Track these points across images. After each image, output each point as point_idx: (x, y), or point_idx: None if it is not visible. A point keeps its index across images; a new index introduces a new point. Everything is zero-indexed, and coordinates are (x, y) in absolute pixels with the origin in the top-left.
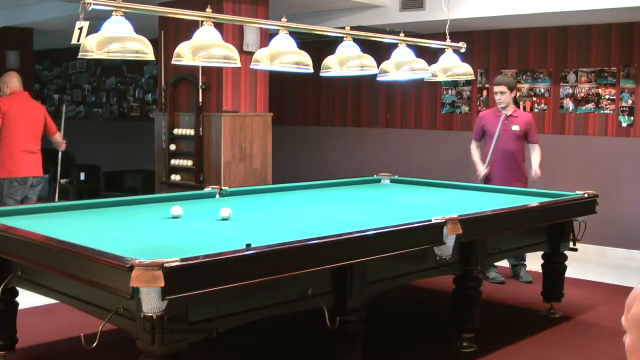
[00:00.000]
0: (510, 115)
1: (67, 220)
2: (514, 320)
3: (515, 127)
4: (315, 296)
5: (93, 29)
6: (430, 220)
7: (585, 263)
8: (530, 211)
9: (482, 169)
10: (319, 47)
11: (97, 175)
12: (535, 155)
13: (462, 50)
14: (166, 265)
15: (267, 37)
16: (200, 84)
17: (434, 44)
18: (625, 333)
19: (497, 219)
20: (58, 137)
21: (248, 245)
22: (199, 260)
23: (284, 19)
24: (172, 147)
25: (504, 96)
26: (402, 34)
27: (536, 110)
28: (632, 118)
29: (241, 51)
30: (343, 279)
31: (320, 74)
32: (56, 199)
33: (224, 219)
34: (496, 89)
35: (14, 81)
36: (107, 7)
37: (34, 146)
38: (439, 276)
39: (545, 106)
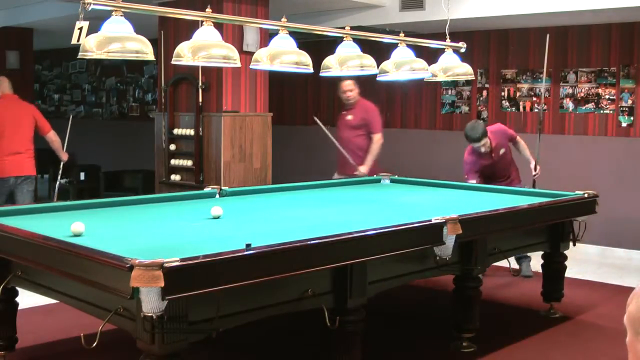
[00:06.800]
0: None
1: (67, 220)
2: (514, 320)
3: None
4: (315, 296)
5: (93, 29)
6: (430, 220)
7: (585, 263)
8: (530, 211)
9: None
10: (319, 47)
11: (97, 175)
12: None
13: (462, 50)
14: (166, 265)
15: (267, 37)
16: (200, 84)
17: (434, 44)
18: None
19: (497, 219)
20: (52, 135)
21: (248, 245)
22: (199, 260)
23: (284, 19)
24: (172, 147)
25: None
26: (402, 34)
27: (536, 110)
28: (632, 118)
29: (241, 51)
30: (343, 279)
31: (320, 74)
32: (55, 199)
33: (216, 217)
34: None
35: (4, 85)
36: (107, 7)
37: (22, 147)
38: (439, 276)
39: (545, 106)
